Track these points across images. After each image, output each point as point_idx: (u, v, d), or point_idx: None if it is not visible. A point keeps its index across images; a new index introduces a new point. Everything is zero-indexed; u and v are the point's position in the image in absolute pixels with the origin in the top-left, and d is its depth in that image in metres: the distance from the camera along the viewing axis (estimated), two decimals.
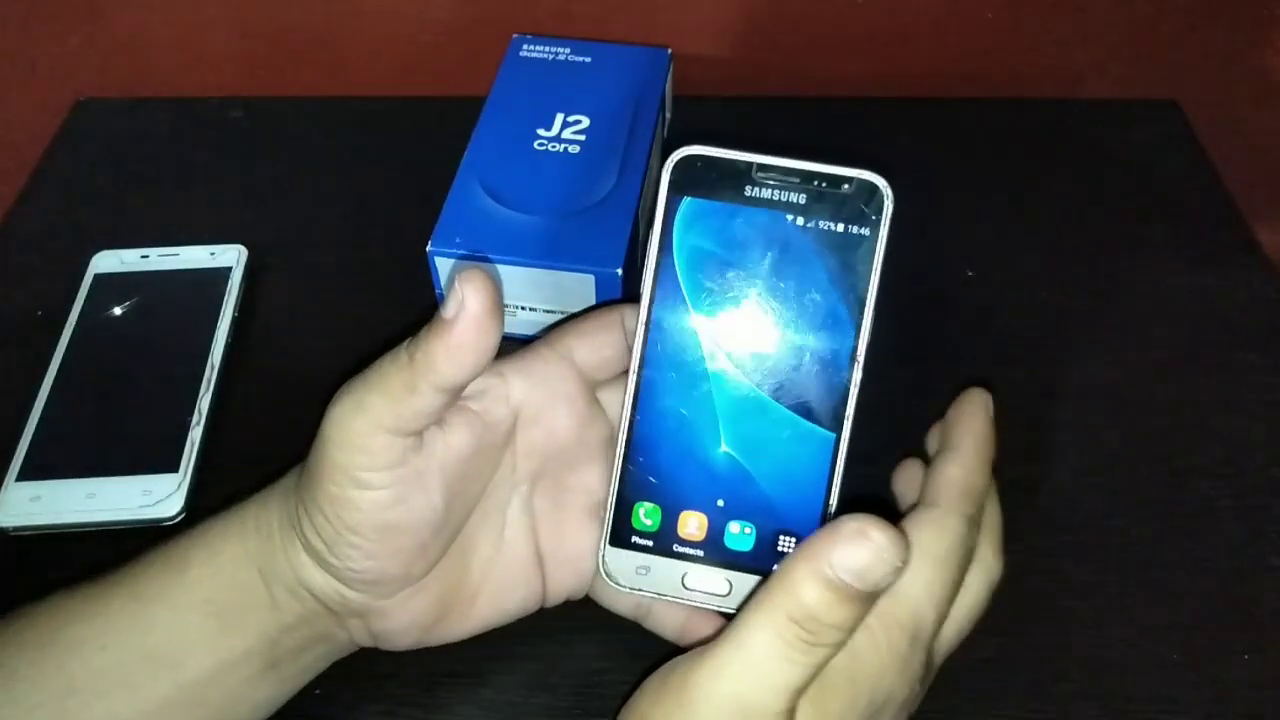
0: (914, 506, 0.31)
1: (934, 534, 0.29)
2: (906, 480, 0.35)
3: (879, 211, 0.30)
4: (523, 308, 0.44)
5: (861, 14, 0.59)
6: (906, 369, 0.45)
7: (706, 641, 0.28)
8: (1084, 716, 0.36)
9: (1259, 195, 0.57)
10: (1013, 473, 0.42)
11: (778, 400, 0.31)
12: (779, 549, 0.31)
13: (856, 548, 0.26)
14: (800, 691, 0.27)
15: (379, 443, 0.29)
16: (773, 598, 0.27)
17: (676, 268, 0.31)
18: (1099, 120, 0.58)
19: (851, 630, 0.27)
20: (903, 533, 0.27)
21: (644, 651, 0.32)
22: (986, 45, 0.60)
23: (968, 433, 0.32)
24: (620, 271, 0.42)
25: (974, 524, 0.30)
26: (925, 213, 0.52)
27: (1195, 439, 0.44)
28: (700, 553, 0.32)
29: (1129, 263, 0.51)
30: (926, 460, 0.35)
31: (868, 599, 0.27)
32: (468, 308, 0.28)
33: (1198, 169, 0.55)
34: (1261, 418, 0.44)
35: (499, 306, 0.28)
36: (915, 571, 0.29)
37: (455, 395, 0.30)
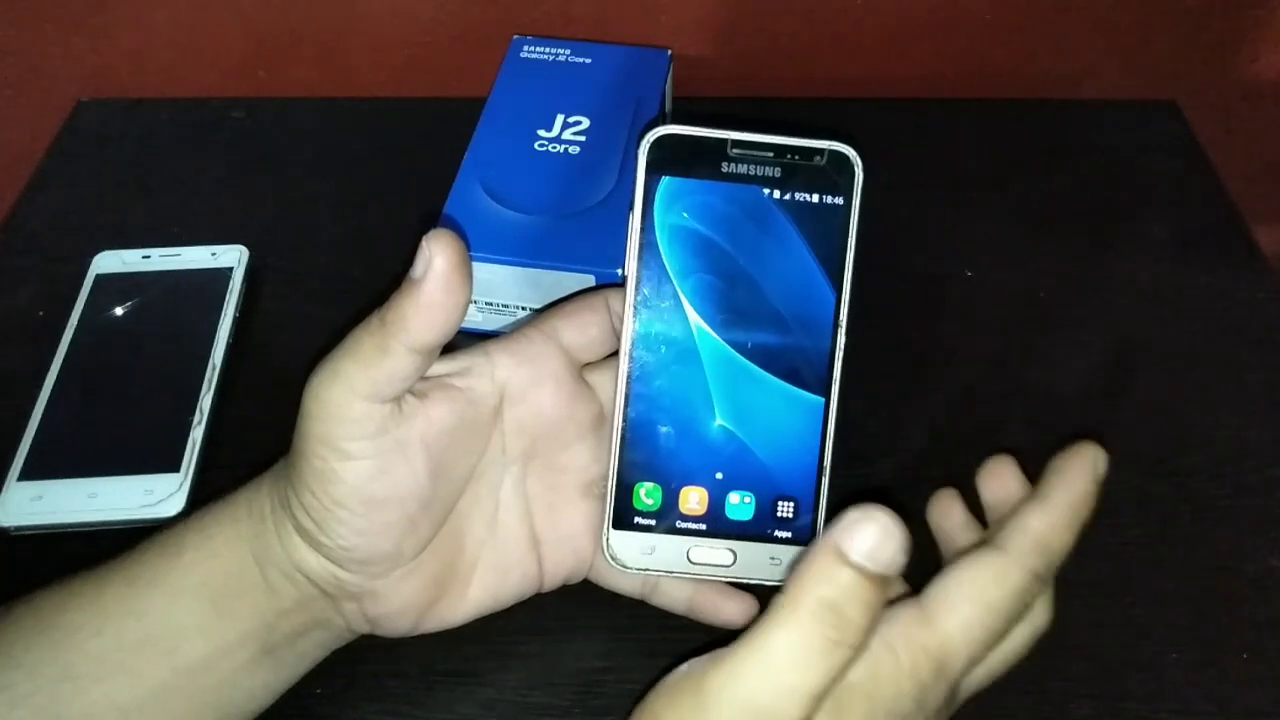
0: (972, 545, 0.30)
1: (991, 579, 0.28)
2: (945, 515, 0.34)
3: (851, 180, 0.31)
4: (523, 308, 0.44)
5: (861, 15, 0.59)
6: (906, 369, 0.45)
7: (719, 642, 0.28)
8: (1084, 716, 0.36)
9: (1258, 195, 0.57)
10: None
11: (767, 369, 0.32)
12: (779, 515, 0.32)
13: (862, 529, 0.26)
14: (819, 698, 0.26)
15: (357, 410, 0.29)
16: (791, 597, 0.27)
17: (659, 247, 0.32)
18: (1099, 120, 0.58)
19: (870, 628, 0.27)
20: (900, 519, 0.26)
21: (645, 650, 0.32)
22: (986, 45, 0.60)
23: (1065, 488, 0.30)
24: (620, 271, 0.42)
25: (1039, 581, 0.29)
26: (925, 213, 0.53)
27: (1195, 439, 0.44)
28: (703, 526, 0.32)
29: (1128, 263, 0.51)
30: (965, 492, 0.34)
31: (881, 584, 0.26)
32: (435, 266, 0.28)
33: (1197, 169, 0.55)
34: (1261, 418, 0.44)
35: (466, 264, 0.29)
36: (958, 609, 0.28)
37: (429, 357, 0.30)
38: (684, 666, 0.28)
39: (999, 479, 0.33)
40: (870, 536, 0.26)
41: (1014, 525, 0.29)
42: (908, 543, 0.26)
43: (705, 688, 0.27)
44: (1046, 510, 0.29)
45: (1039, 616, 0.31)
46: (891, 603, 0.29)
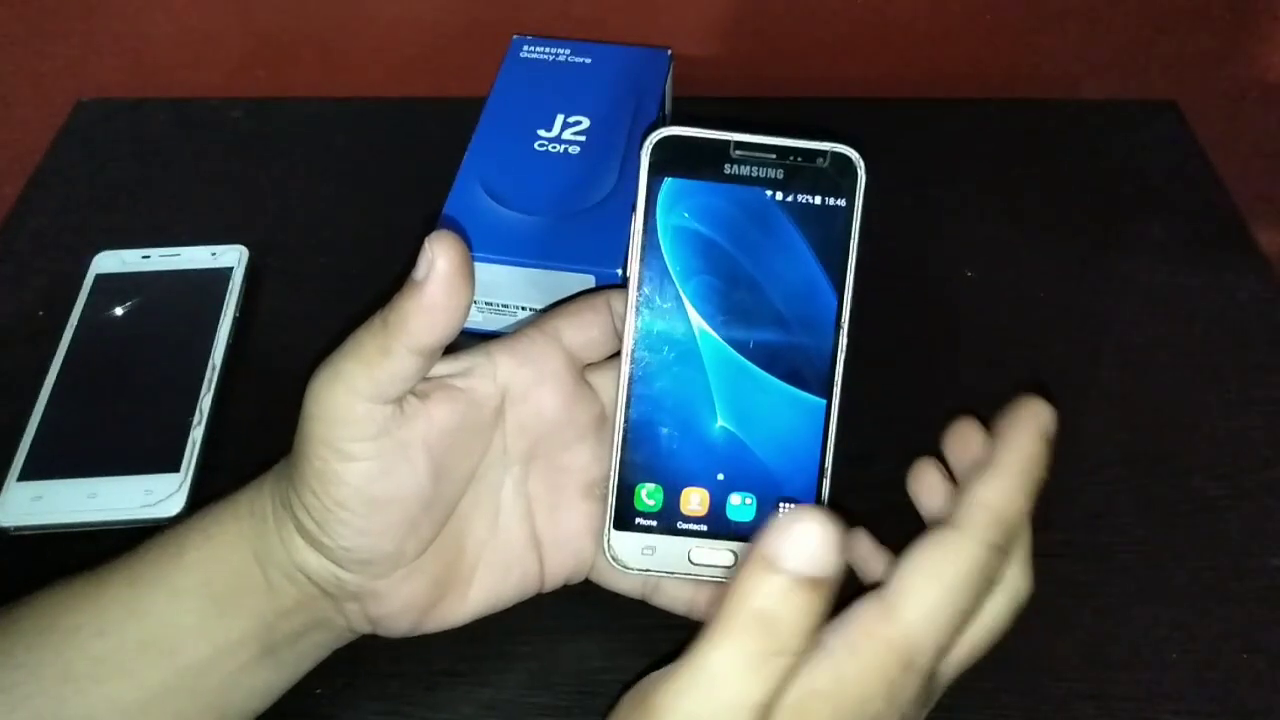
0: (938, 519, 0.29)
1: (947, 558, 0.27)
2: (924, 486, 0.33)
3: (854, 182, 0.31)
4: (523, 308, 0.44)
5: (861, 15, 0.59)
6: (905, 369, 0.45)
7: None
8: (1084, 716, 0.36)
9: (1258, 195, 0.57)
10: None
11: (768, 371, 0.32)
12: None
13: (789, 534, 0.25)
14: (764, 708, 0.25)
15: (359, 412, 0.29)
16: (726, 610, 0.25)
17: (661, 248, 0.32)
18: (1098, 120, 0.58)
19: (810, 632, 0.25)
20: (836, 517, 0.25)
21: (645, 650, 0.32)
22: (986, 45, 0.60)
23: (1013, 450, 0.28)
24: (620, 271, 0.42)
25: (999, 552, 0.27)
26: (925, 213, 0.53)
27: (1195, 439, 0.44)
28: (704, 527, 0.32)
29: (1128, 263, 0.51)
30: (942, 459, 0.33)
31: (817, 587, 0.25)
32: (437, 267, 0.28)
33: (1196, 169, 0.55)
34: (1261, 418, 0.44)
35: (469, 266, 0.29)
36: (918, 595, 0.27)
37: (431, 358, 0.30)
38: (641, 681, 0.27)
39: (964, 444, 0.32)
40: (798, 540, 0.25)
41: (965, 499, 0.28)
42: (842, 541, 0.25)
43: (651, 706, 0.26)
44: (996, 478, 0.28)
45: (1018, 586, 0.30)
46: (859, 595, 0.28)
